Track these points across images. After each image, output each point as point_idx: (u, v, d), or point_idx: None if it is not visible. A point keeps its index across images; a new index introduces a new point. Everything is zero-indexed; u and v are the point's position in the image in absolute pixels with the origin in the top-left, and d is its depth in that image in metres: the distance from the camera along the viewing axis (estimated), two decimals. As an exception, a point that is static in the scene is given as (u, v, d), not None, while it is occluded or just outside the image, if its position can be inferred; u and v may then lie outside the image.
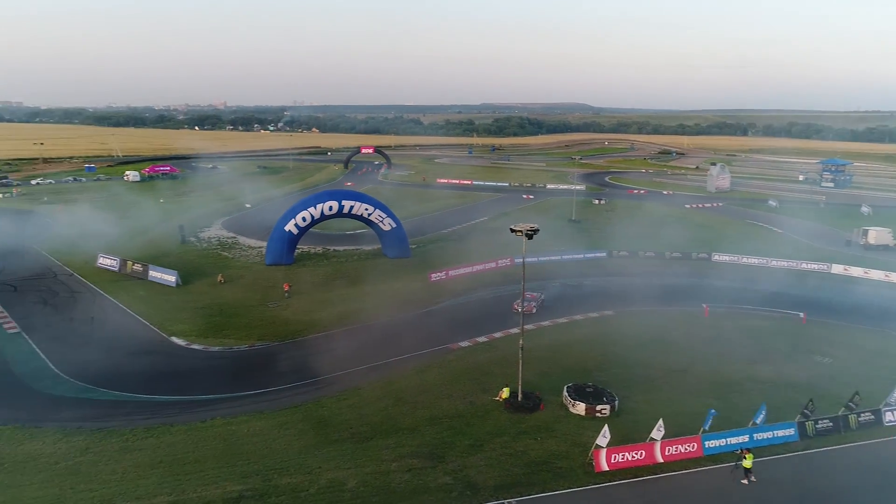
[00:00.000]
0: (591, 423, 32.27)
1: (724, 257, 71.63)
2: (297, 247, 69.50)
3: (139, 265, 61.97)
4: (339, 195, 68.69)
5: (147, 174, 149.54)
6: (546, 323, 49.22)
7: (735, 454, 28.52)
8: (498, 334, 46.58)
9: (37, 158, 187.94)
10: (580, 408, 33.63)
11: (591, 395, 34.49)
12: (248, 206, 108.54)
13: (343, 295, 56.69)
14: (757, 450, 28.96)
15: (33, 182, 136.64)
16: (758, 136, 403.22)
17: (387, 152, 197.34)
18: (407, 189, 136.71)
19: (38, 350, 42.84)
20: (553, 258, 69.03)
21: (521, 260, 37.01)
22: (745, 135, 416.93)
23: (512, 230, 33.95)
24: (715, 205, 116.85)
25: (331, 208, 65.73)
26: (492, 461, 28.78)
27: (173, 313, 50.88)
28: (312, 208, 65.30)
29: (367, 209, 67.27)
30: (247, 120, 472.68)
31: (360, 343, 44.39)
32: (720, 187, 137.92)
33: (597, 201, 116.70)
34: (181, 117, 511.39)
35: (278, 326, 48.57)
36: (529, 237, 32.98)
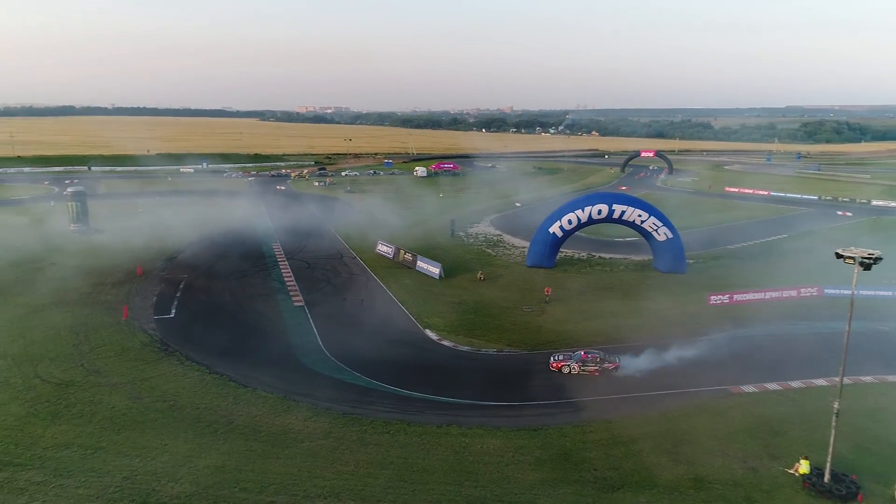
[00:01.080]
0: (945, 542, 22.38)
1: None
2: (560, 250, 65.92)
3: (410, 255, 64.80)
4: (610, 198, 63.17)
5: (433, 170, 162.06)
6: (868, 378, 37.55)
7: None
8: (796, 383, 36.80)
9: (347, 154, 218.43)
10: (925, 514, 23.72)
11: (944, 499, 24.18)
12: (518, 204, 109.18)
13: (604, 308, 51.38)
14: None
15: (343, 174, 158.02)
16: None
17: (669, 157, 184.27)
18: (689, 197, 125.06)
19: (312, 325, 46.37)
20: (883, 293, 53.63)
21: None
22: None
23: (839, 255, 25.20)
24: None
25: (599, 212, 60.69)
26: (780, 563, 21.37)
27: (432, 305, 51.30)
28: (580, 211, 61.06)
29: (640, 215, 60.58)
30: (529, 123, 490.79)
31: (617, 367, 38.84)
32: None
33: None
34: (471, 120, 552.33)
35: (530, 333, 45.48)
36: (866, 267, 23.98)
